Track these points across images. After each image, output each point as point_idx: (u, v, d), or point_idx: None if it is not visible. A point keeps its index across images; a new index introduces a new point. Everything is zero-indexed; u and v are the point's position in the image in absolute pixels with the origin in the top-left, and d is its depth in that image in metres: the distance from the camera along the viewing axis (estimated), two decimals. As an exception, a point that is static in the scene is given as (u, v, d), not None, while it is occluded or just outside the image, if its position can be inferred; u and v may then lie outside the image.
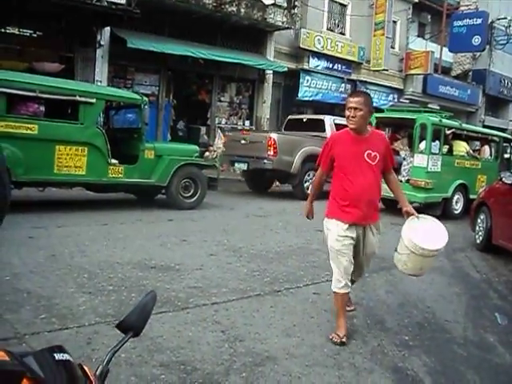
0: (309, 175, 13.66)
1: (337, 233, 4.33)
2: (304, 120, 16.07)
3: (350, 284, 4.42)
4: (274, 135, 13.62)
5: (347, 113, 4.31)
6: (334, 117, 15.74)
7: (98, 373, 1.09)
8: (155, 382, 3.36)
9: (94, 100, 9.28)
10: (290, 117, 17.12)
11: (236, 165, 14.40)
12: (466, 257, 8.30)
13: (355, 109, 4.26)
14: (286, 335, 4.34)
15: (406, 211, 4.48)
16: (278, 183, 15.93)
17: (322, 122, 15.28)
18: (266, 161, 13.35)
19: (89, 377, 0.96)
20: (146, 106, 10.33)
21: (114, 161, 9.65)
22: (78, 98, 9.13)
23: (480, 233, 8.95)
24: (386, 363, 3.96)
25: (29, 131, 8.64)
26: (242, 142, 14.04)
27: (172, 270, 5.98)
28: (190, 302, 4.95)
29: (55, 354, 0.89)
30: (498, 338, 4.78)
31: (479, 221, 9.05)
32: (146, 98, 10.52)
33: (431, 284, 6.44)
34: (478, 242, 8.97)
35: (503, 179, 8.39)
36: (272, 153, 13.25)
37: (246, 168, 14.09)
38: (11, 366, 0.77)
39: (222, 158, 14.93)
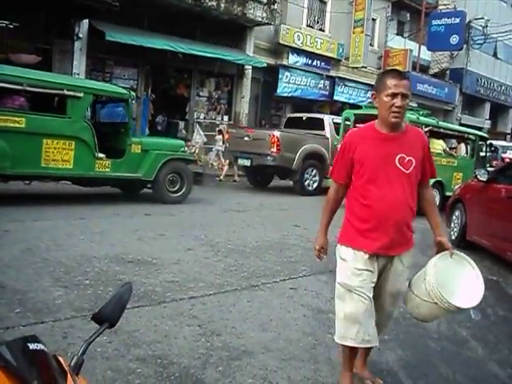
0: (308, 172, 14.36)
1: (354, 266, 3.19)
2: (304, 118, 16.45)
3: (369, 334, 3.22)
4: (276, 133, 14.18)
5: (390, 100, 3.07)
6: (333, 116, 16.11)
7: (72, 363, 1.09)
8: (131, 375, 3.35)
9: (81, 94, 9.30)
10: (289, 115, 17.83)
11: (239, 161, 14.84)
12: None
13: (403, 96, 3.08)
14: (262, 330, 4.36)
15: (438, 242, 3.32)
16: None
17: (321, 120, 15.77)
18: (269, 157, 13.88)
19: (63, 367, 0.96)
20: (133, 101, 10.37)
21: (101, 155, 9.67)
22: (65, 91, 9.16)
23: (455, 229, 9.07)
24: (361, 357, 4.00)
25: (16, 124, 8.63)
26: (246, 138, 14.57)
27: (149, 265, 5.97)
28: (167, 296, 4.95)
29: (29, 344, 0.89)
30: (470, 332, 4.85)
31: (454, 217, 9.18)
32: (133, 93, 10.53)
33: (407, 280, 6.49)
34: (453, 238, 9.08)
35: (478, 176, 8.51)
36: (275, 150, 13.78)
37: (249, 164, 14.55)
38: (-16, 354, 0.77)
39: (202, 153, 15.05)
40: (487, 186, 8.16)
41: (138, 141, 10.42)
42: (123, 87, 11.69)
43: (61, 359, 0.98)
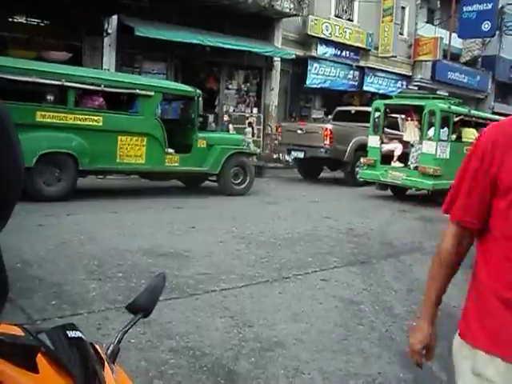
0: (358, 164, 14.61)
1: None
2: (352, 112, 16.81)
3: None
4: (329, 126, 14.79)
5: None
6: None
7: (108, 352, 1.11)
8: (164, 366, 3.40)
9: (152, 93, 9.96)
10: (338, 108, 17.92)
11: (293, 153, 15.31)
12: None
13: None
14: (294, 321, 4.37)
15: None
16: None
17: (369, 113, 15.79)
18: (322, 149, 14.44)
19: (100, 355, 0.99)
20: (200, 98, 10.98)
21: (170, 150, 10.28)
22: (138, 91, 9.83)
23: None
24: (394, 349, 3.98)
25: (94, 123, 9.37)
26: (299, 132, 15.14)
27: (181, 257, 6.02)
28: (199, 288, 4.99)
29: (68, 332, 0.92)
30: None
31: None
32: (199, 91, 11.13)
33: None
34: None
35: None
36: (328, 142, 14.37)
37: (302, 156, 15.07)
38: (27, 340, 0.80)
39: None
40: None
41: (204, 136, 11.00)
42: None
43: (98, 347, 1.01)
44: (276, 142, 17.19)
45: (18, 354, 0.75)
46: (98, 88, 9.47)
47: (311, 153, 14.71)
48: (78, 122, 9.19)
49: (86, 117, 9.30)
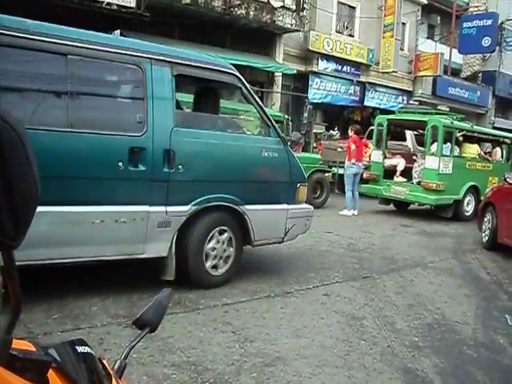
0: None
1: None
2: None
3: None
4: (369, 145, 15.16)
5: None
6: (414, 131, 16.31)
7: (115, 367, 1.12)
8: (166, 381, 3.39)
9: (252, 119, 10.71)
10: (371, 128, 17.94)
11: (333, 169, 16.08)
12: (475, 258, 8.29)
13: None
14: (295, 336, 4.36)
15: None
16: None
17: (402, 132, 15.98)
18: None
19: (108, 370, 1.00)
20: (290, 123, 12.09)
21: None
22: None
23: (487, 231, 9.04)
24: (396, 364, 3.97)
25: None
26: (339, 150, 16.00)
27: (182, 272, 6.01)
28: (201, 302, 4.98)
29: (77, 347, 0.93)
30: (507, 339, 4.78)
31: (486, 220, 9.15)
32: (287, 116, 12.42)
33: (441, 285, 6.44)
34: (484, 241, 9.10)
35: (507, 179, 8.53)
36: (368, 159, 14.74)
37: (342, 172, 15.41)
38: (39, 356, 0.81)
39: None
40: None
41: None
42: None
43: (105, 363, 1.02)
44: None
45: (30, 369, 0.76)
46: None
47: None
48: None
49: None
